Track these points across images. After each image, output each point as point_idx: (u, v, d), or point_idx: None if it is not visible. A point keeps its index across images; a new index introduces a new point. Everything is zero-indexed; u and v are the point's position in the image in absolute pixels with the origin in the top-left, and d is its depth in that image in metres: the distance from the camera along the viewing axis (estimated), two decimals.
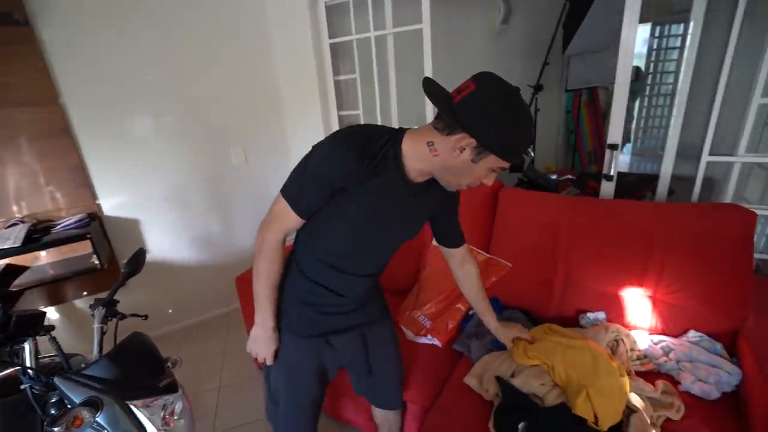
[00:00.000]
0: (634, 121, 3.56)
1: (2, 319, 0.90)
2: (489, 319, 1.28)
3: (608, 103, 3.20)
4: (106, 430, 0.85)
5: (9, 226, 1.87)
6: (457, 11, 2.76)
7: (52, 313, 2.13)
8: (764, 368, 1.06)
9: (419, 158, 0.86)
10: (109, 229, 2.17)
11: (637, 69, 3.34)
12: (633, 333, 1.40)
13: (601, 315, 1.48)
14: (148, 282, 2.25)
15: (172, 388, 1.04)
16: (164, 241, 2.37)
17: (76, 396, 0.86)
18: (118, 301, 1.17)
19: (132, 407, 0.92)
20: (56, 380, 0.87)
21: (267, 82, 2.45)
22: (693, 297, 1.35)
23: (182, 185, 2.34)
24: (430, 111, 2.13)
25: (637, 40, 1.52)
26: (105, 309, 1.10)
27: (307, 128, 2.42)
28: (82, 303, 2.15)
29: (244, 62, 2.35)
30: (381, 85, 2.19)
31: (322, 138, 0.89)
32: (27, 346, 0.93)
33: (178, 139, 2.27)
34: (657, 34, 3.35)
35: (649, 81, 3.49)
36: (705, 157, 1.55)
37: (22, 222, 1.90)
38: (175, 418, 1.03)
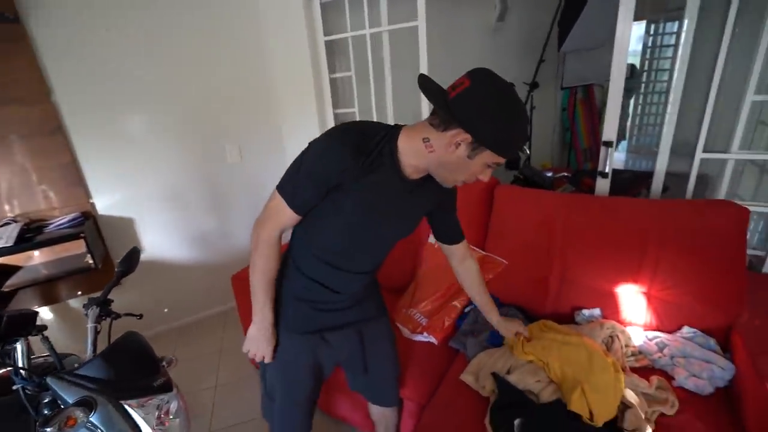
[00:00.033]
0: (630, 119, 3.57)
1: None
2: (491, 314, 1.28)
3: (603, 100, 3.21)
4: (100, 430, 0.84)
5: (1, 226, 1.85)
6: (453, 8, 2.75)
7: (45, 313, 2.11)
8: (757, 363, 1.07)
9: (415, 154, 0.86)
10: (104, 228, 2.16)
11: (632, 66, 3.35)
12: (628, 329, 1.41)
13: (597, 312, 1.49)
14: (143, 281, 2.24)
15: (166, 387, 1.03)
16: (159, 240, 2.36)
17: (69, 396, 0.85)
18: (112, 301, 1.16)
19: (126, 407, 0.91)
20: (49, 380, 0.86)
21: (262, 80, 2.44)
22: (687, 293, 1.36)
23: (177, 183, 2.33)
24: (425, 108, 2.13)
25: (632, 37, 1.52)
26: (99, 308, 1.10)
27: (303, 126, 2.41)
28: (76, 303, 2.14)
29: (238, 60, 2.33)
30: (377, 82, 2.18)
31: (317, 136, 0.89)
32: (19, 346, 0.91)
33: (173, 137, 2.25)
34: (652, 32, 3.36)
35: (644, 78, 3.50)
36: (699, 154, 1.56)
37: (15, 221, 1.88)
38: (170, 417, 1.02)
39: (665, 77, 3.38)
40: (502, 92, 0.76)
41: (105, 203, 2.15)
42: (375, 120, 2.14)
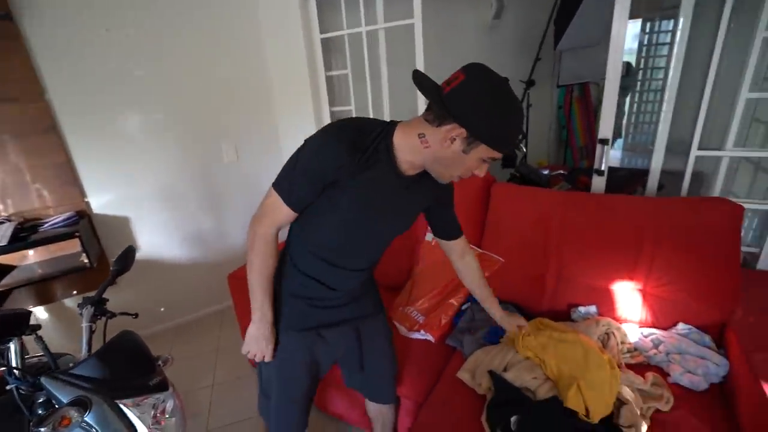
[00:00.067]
0: (625, 117, 3.58)
1: None
2: (493, 309, 1.27)
3: (600, 98, 3.21)
4: (96, 429, 0.84)
5: None
6: (449, 6, 2.75)
7: (40, 313, 2.10)
8: (751, 359, 1.08)
9: (411, 150, 0.86)
10: (99, 227, 2.14)
11: (627, 64, 3.35)
12: (623, 326, 1.42)
13: (593, 309, 1.49)
14: (139, 280, 2.23)
15: (162, 386, 1.03)
16: (155, 239, 2.35)
17: (63, 396, 0.85)
18: (107, 300, 1.15)
19: (122, 406, 0.91)
20: (43, 380, 0.86)
21: (258, 78, 2.43)
22: (682, 290, 1.36)
23: (173, 182, 2.32)
24: (422, 106, 2.13)
25: (627, 35, 1.52)
26: (94, 308, 1.09)
27: (299, 124, 2.41)
28: (71, 302, 2.12)
29: (234, 58, 2.32)
30: (373, 80, 2.18)
31: (313, 133, 0.89)
32: (12, 346, 0.91)
33: (169, 135, 2.24)
34: (647, 30, 3.36)
35: (639, 76, 3.51)
36: (694, 152, 1.57)
37: (9, 220, 1.87)
38: (167, 416, 1.02)
39: (661, 75, 3.39)
40: (496, 87, 0.76)
41: (100, 202, 2.13)
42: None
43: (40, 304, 2.04)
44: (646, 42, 3.40)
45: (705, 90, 1.49)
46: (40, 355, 1.03)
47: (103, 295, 1.15)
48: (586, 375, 1.12)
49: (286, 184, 0.89)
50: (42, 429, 0.77)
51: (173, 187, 2.32)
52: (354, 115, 2.28)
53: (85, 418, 0.83)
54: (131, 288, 2.21)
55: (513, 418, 1.07)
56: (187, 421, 1.13)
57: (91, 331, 1.06)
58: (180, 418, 1.06)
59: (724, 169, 1.61)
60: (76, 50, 1.91)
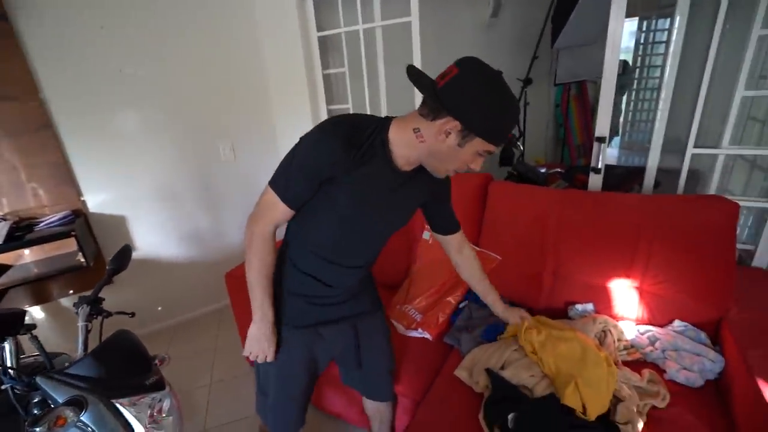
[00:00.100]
0: (622, 115, 3.59)
1: None
2: (495, 302, 1.27)
3: (597, 97, 3.22)
4: (92, 429, 0.84)
5: None
6: (446, 4, 2.75)
7: (37, 313, 2.09)
8: (746, 356, 1.08)
9: (406, 145, 0.86)
10: (95, 227, 2.13)
11: (624, 63, 3.36)
12: (620, 323, 1.42)
13: (590, 306, 1.50)
14: (136, 279, 2.23)
15: (159, 385, 1.03)
16: (152, 238, 2.34)
17: (59, 395, 0.84)
18: (103, 299, 1.15)
19: (118, 406, 0.91)
20: (38, 380, 0.85)
21: (255, 76, 2.42)
22: (678, 287, 1.37)
23: (170, 181, 2.31)
24: (419, 104, 2.12)
25: (624, 34, 1.53)
26: (89, 307, 1.08)
27: (296, 123, 2.40)
28: (68, 301, 2.12)
29: (231, 56, 2.31)
30: (370, 78, 2.17)
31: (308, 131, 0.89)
32: (7, 346, 0.90)
33: (165, 134, 2.23)
34: (644, 29, 3.38)
35: (636, 75, 3.52)
36: (690, 150, 1.57)
37: (4, 220, 1.86)
38: (163, 415, 1.02)
39: (657, 74, 3.40)
40: (490, 79, 0.76)
41: (96, 201, 2.12)
42: None
43: (36, 304, 2.03)
44: (642, 40, 3.42)
45: (701, 88, 1.49)
46: (36, 355, 1.03)
47: (100, 295, 1.14)
48: (583, 373, 1.13)
49: (282, 181, 0.89)
50: (37, 429, 0.77)
51: (170, 186, 2.31)
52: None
53: (81, 418, 0.82)
54: (129, 287, 2.20)
55: (510, 416, 1.07)
56: (184, 421, 1.13)
57: (87, 331, 1.05)
58: (177, 417, 1.06)
59: (719, 167, 1.62)
60: (71, 49, 1.89)
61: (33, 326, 0.94)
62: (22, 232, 1.83)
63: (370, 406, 1.34)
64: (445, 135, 0.79)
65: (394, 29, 2.02)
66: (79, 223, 1.96)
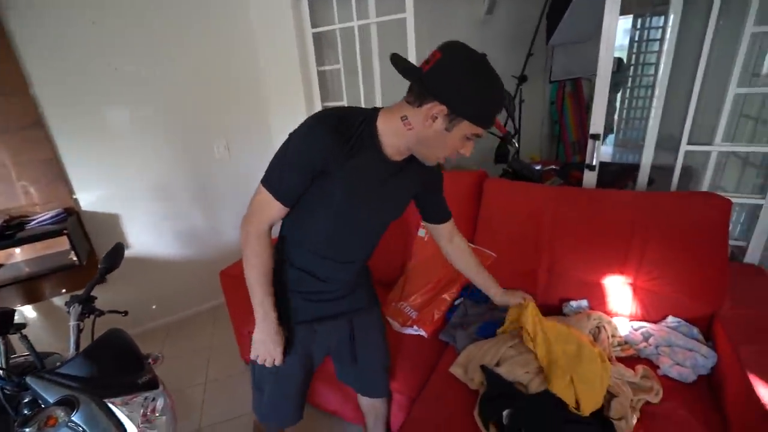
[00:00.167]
0: (617, 112, 3.60)
1: None
2: (491, 288, 1.25)
3: (591, 94, 3.22)
4: (83, 429, 0.83)
5: None
6: (441, 1, 2.74)
7: (29, 312, 2.07)
8: (738, 351, 1.09)
9: (395, 134, 0.85)
10: (88, 225, 2.11)
11: (619, 60, 3.37)
12: (614, 320, 1.43)
13: (584, 303, 1.50)
14: (131, 278, 2.21)
15: (152, 384, 1.02)
16: (146, 236, 2.32)
17: (50, 395, 0.83)
18: (96, 298, 1.13)
19: (110, 405, 0.90)
20: (28, 380, 0.84)
21: (249, 73, 2.40)
22: (671, 283, 1.38)
23: (163, 179, 2.29)
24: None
25: (618, 31, 1.53)
26: (81, 306, 1.07)
27: (291, 120, 2.34)
28: (60, 301, 2.10)
29: (225, 52, 2.29)
30: (365, 75, 2.16)
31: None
32: None
33: (158, 131, 2.21)
34: (638, 26, 3.38)
35: (630, 72, 3.53)
36: (683, 147, 1.58)
37: None
38: (157, 414, 1.01)
39: (651, 71, 3.41)
40: (474, 62, 0.76)
41: (89, 199, 2.10)
42: None
43: (28, 303, 2.01)
44: (637, 38, 3.42)
45: (694, 85, 1.50)
46: (26, 355, 1.01)
47: (92, 293, 1.13)
48: (578, 368, 1.13)
49: (274, 178, 0.89)
50: (27, 429, 0.76)
51: (164, 184, 2.30)
52: None
53: (73, 418, 0.81)
54: (123, 286, 2.19)
55: (505, 412, 1.08)
56: (178, 419, 1.12)
57: (79, 330, 1.04)
58: (170, 416, 1.05)
59: (712, 163, 1.63)
60: (62, 44, 1.87)
61: (23, 325, 0.93)
62: (13, 231, 1.81)
63: (365, 402, 1.34)
64: (432, 120, 0.79)
65: (389, 26, 2.01)
66: (72, 221, 1.94)
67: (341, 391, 1.49)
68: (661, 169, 1.77)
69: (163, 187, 2.30)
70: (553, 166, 2.51)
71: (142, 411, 0.96)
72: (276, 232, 1.06)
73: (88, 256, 2.04)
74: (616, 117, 3.58)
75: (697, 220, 1.36)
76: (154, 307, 2.46)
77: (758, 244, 1.59)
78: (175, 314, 2.56)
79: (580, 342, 1.21)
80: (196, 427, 1.78)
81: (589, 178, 1.76)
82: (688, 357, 1.23)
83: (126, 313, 1.22)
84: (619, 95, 3.52)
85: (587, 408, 1.06)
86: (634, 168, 1.77)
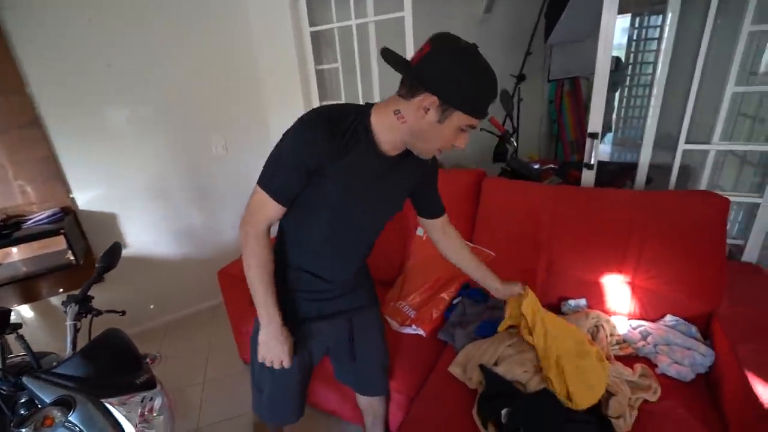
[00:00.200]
0: (615, 111, 3.60)
1: None
2: (488, 279, 1.21)
3: (590, 93, 3.22)
4: (80, 429, 0.82)
5: None
6: None
7: (26, 312, 2.06)
8: (736, 349, 1.09)
9: (388, 128, 0.85)
10: (85, 224, 2.10)
11: (617, 59, 3.37)
12: (613, 318, 1.43)
13: (582, 302, 1.51)
14: (128, 277, 2.20)
15: (150, 384, 1.02)
16: (144, 235, 2.31)
17: (46, 395, 0.83)
18: (93, 297, 1.13)
19: (107, 405, 0.89)
20: (24, 380, 0.84)
21: (247, 71, 2.39)
22: (670, 282, 1.38)
23: (161, 177, 2.28)
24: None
25: (616, 30, 1.53)
26: (78, 305, 1.07)
27: (289, 118, 2.32)
28: (57, 300, 2.08)
29: (222, 51, 2.28)
30: (363, 74, 2.16)
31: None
32: None
33: (156, 129, 2.20)
34: (636, 25, 3.38)
35: (629, 71, 3.53)
36: (681, 146, 1.58)
37: None
38: (154, 414, 1.00)
39: (649, 70, 3.41)
40: (464, 51, 0.76)
41: (86, 198, 2.09)
42: None
43: (26, 303, 2.00)
44: (635, 37, 3.42)
45: (692, 84, 1.50)
46: (23, 355, 1.01)
47: (89, 293, 1.12)
48: (575, 362, 1.13)
49: (269, 178, 0.89)
50: (23, 430, 0.75)
51: (162, 183, 2.29)
52: None
53: (69, 418, 0.81)
54: (121, 285, 2.18)
55: (504, 411, 1.08)
56: (176, 419, 1.12)
57: (76, 330, 1.03)
58: (168, 416, 1.05)
59: (710, 162, 1.63)
60: (58, 42, 1.86)
61: (19, 325, 0.92)
62: (10, 230, 1.80)
63: (363, 401, 1.34)
64: (425, 111, 0.79)
65: (387, 24, 2.01)
66: (68, 220, 1.93)
67: (340, 390, 1.49)
68: (659, 168, 1.77)
69: (161, 187, 2.29)
70: (552, 165, 2.51)
71: (139, 411, 0.95)
72: (275, 232, 1.06)
73: (85, 255, 2.03)
74: (614, 116, 3.59)
75: (695, 219, 1.36)
76: (152, 306, 2.45)
77: (756, 243, 1.60)
78: (174, 314, 2.55)
79: (579, 338, 1.21)
80: (195, 426, 1.78)
81: (588, 177, 1.76)
82: (686, 355, 1.23)
83: (124, 312, 1.21)
84: (617, 94, 3.52)
85: (580, 402, 1.07)
86: (633, 167, 1.78)
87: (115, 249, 1.23)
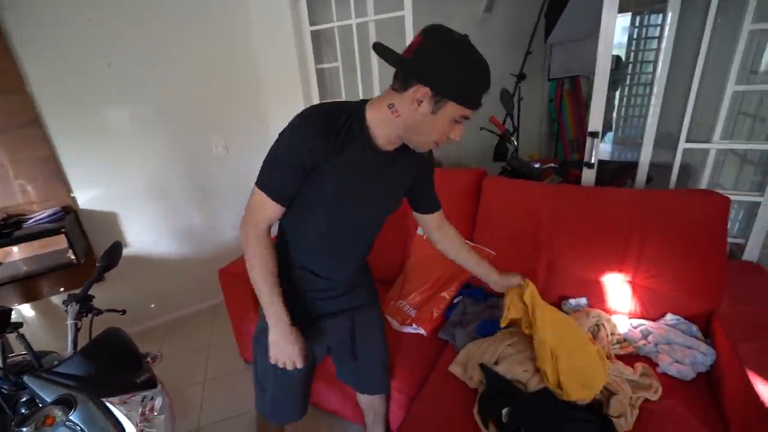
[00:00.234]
0: (615, 110, 3.60)
1: None
2: (487, 273, 1.21)
3: (590, 92, 3.22)
4: (81, 428, 0.82)
5: None
6: None
7: (27, 311, 2.06)
8: (737, 348, 1.09)
9: (383, 123, 0.86)
10: (86, 223, 2.11)
11: (617, 58, 3.36)
12: (613, 317, 1.43)
13: (583, 301, 1.51)
14: (129, 277, 2.21)
15: (150, 383, 1.02)
16: (144, 234, 2.31)
17: (47, 395, 0.83)
18: (93, 297, 1.13)
19: (108, 404, 0.89)
20: (25, 379, 0.84)
21: (247, 71, 2.39)
22: (670, 281, 1.38)
23: (161, 176, 2.28)
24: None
25: (617, 29, 1.53)
26: (79, 305, 1.07)
27: (289, 118, 2.36)
28: (58, 299, 2.09)
29: (222, 50, 2.28)
30: (363, 73, 2.16)
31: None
32: None
33: (156, 129, 2.20)
34: (637, 24, 3.38)
35: (629, 70, 3.52)
36: (682, 144, 1.58)
37: None
38: (155, 413, 1.01)
39: (650, 69, 3.41)
40: (455, 42, 0.76)
41: (87, 197, 2.10)
42: None
43: (27, 302, 2.00)
44: (635, 36, 3.42)
45: (693, 83, 1.50)
46: (24, 354, 1.01)
47: (90, 292, 1.12)
48: (572, 351, 1.13)
49: (266, 178, 0.89)
50: (24, 429, 0.75)
51: (162, 182, 2.29)
52: None
53: (70, 417, 0.81)
54: (121, 284, 2.18)
55: (504, 411, 1.08)
56: (177, 418, 1.12)
57: (77, 329, 1.03)
58: (169, 415, 1.05)
59: (711, 161, 1.63)
60: (59, 41, 1.86)
61: (20, 324, 0.92)
62: (10, 229, 1.80)
63: (364, 400, 1.34)
64: (418, 103, 0.79)
65: (388, 24, 2.01)
66: (69, 219, 1.93)
67: (341, 390, 1.49)
68: (659, 166, 1.77)
69: (162, 186, 2.29)
70: (552, 164, 2.51)
71: (140, 410, 0.95)
72: (275, 231, 1.06)
73: (86, 254, 2.03)
74: (614, 115, 3.58)
75: (695, 218, 1.36)
76: (152, 305, 2.45)
77: (757, 242, 1.59)
78: (174, 313, 2.55)
79: (579, 333, 1.20)
80: (195, 425, 1.78)
81: (588, 176, 1.75)
82: (687, 354, 1.23)
83: (124, 311, 1.21)
84: (617, 93, 3.52)
85: (572, 394, 1.06)
86: (633, 166, 1.77)
87: (116, 248, 1.23)
